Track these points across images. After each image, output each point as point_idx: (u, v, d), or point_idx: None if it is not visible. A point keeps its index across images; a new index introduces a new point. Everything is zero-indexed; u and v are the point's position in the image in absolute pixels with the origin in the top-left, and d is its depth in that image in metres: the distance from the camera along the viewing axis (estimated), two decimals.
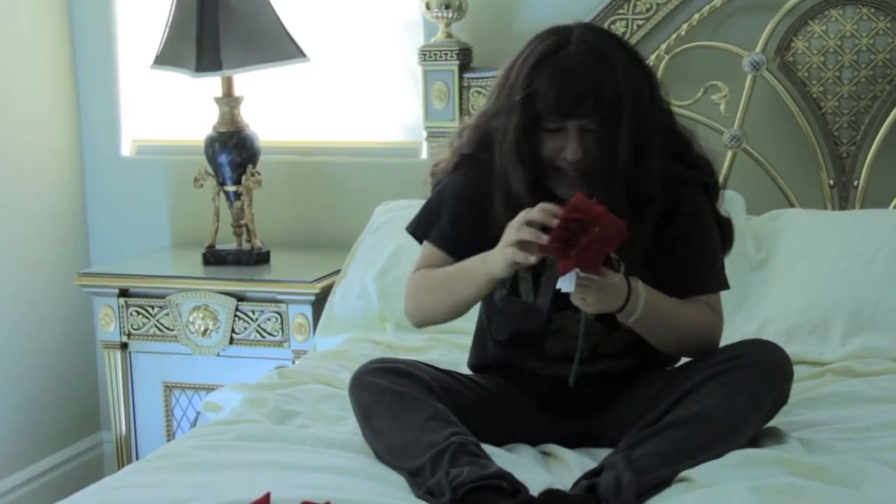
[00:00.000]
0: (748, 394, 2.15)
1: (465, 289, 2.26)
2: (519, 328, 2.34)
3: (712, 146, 2.43)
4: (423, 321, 2.40)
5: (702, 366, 2.22)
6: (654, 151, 2.22)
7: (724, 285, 2.35)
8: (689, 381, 2.18)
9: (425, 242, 2.38)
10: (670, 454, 2.06)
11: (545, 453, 2.29)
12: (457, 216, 2.34)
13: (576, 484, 2.04)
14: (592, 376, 2.30)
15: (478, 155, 2.32)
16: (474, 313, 2.42)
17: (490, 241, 2.20)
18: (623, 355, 2.33)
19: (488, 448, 2.15)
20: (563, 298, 2.15)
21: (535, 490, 1.99)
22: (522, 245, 2.09)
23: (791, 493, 1.92)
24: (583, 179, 2.21)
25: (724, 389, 2.14)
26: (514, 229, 2.10)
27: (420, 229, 2.40)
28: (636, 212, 2.20)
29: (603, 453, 2.20)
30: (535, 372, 2.35)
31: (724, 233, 2.36)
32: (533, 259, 2.08)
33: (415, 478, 2.08)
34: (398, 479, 2.11)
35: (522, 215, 2.10)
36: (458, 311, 2.33)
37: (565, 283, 2.09)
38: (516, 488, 1.98)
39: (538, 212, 2.08)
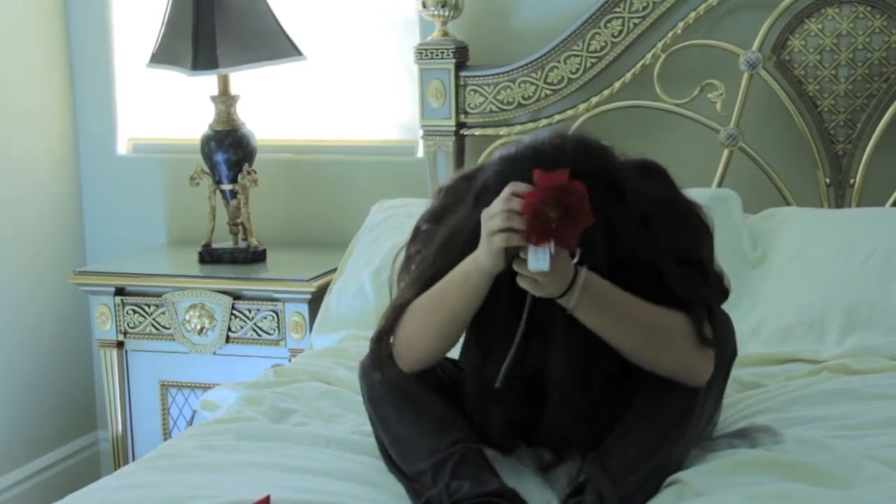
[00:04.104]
0: None
1: (458, 296, 2.08)
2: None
3: (708, 145, 2.37)
4: (412, 356, 2.16)
5: None
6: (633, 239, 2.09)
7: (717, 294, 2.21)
8: (642, 378, 2.10)
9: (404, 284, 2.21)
10: (639, 451, 2.02)
11: (547, 461, 2.21)
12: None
13: (564, 502, 2.02)
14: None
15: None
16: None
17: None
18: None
19: (489, 452, 2.12)
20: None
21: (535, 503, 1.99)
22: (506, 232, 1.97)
23: (784, 500, 1.92)
24: None
25: None
26: (498, 219, 1.96)
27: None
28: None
29: None
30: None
31: (715, 288, 2.21)
32: (516, 241, 1.95)
33: (413, 483, 2.07)
34: (397, 487, 2.10)
35: (499, 204, 1.97)
36: (452, 331, 2.13)
37: (540, 261, 1.93)
38: None
39: (507, 201, 1.96)
